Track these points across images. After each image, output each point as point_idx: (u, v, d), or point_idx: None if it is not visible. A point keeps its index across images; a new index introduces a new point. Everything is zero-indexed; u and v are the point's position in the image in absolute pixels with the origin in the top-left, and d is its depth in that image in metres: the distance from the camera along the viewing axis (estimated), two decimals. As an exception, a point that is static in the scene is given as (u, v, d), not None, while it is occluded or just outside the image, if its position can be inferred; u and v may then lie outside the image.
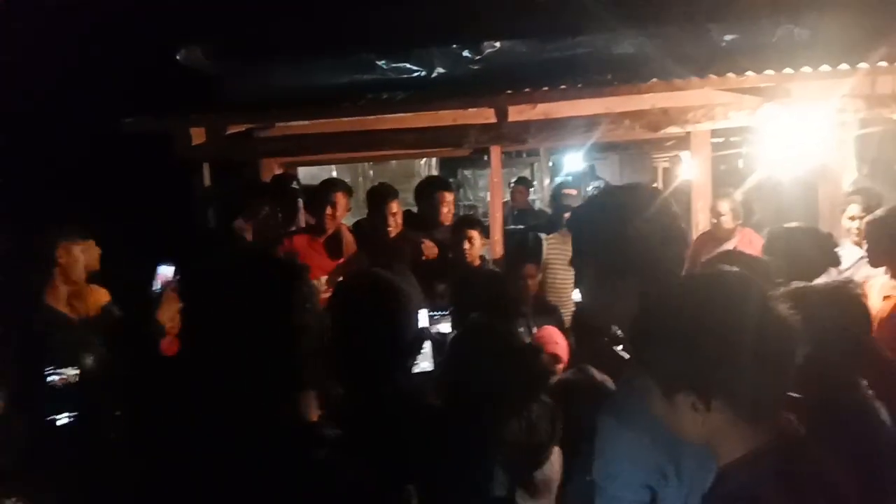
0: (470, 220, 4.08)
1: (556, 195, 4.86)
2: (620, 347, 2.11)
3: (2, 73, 3.24)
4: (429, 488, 1.32)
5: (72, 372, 2.45)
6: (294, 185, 4.17)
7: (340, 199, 3.74)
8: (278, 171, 4.83)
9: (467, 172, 9.95)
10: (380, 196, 3.91)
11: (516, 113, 4.47)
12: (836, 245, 2.83)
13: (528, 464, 1.83)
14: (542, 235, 4.68)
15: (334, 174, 7.47)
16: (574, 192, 4.71)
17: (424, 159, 8.44)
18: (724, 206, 4.37)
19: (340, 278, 3.64)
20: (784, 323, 1.03)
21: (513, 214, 7.03)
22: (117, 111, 3.62)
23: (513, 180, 7.93)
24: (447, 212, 4.13)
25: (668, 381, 1.07)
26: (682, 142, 6.29)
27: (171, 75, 4.09)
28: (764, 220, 4.77)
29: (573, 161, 9.61)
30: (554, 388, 2.09)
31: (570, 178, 10.81)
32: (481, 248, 3.88)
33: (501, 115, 4.23)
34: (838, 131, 4.08)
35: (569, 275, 4.52)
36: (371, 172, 8.56)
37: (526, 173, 10.05)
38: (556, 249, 4.56)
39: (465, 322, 2.65)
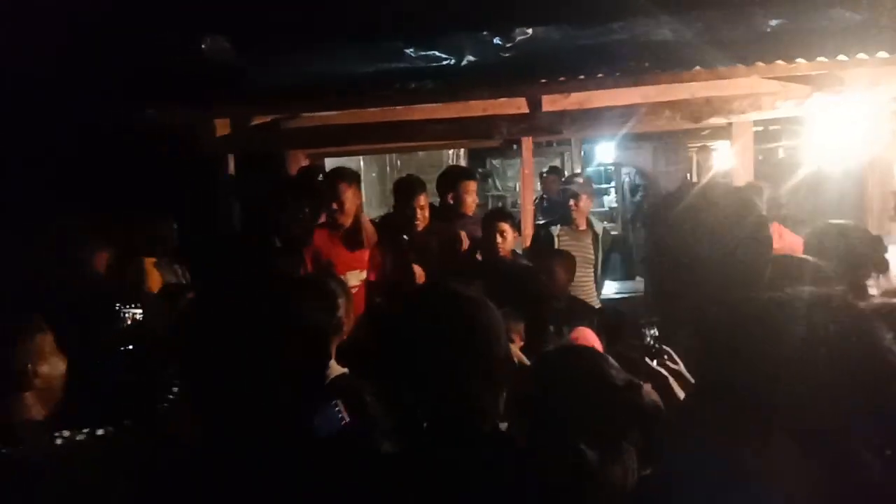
0: (501, 213, 3.93)
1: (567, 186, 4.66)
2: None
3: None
4: None
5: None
6: (320, 177, 4.05)
7: (346, 190, 3.51)
8: (304, 163, 4.75)
9: (496, 162, 9.77)
10: (407, 189, 3.76)
11: (549, 103, 4.31)
12: (885, 249, 2.65)
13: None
14: (553, 229, 4.54)
15: (361, 165, 7.39)
16: (557, 178, 4.55)
17: (452, 149, 8.29)
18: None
19: (373, 277, 3.55)
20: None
21: (543, 206, 6.86)
22: (140, 103, 3.54)
23: (544, 170, 7.74)
24: (471, 202, 4.00)
25: None
26: (719, 131, 6.08)
27: (194, 65, 4.00)
28: (799, 215, 4.53)
29: (605, 150, 9.39)
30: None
31: (601, 168, 10.65)
32: (513, 241, 3.74)
33: (534, 105, 4.07)
34: (891, 122, 3.85)
35: (585, 270, 4.37)
36: (398, 162, 8.43)
37: (557, 163, 9.84)
38: (568, 244, 4.42)
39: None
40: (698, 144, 8.64)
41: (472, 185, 4.04)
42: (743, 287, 1.23)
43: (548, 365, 1.63)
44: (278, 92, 4.08)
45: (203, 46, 3.98)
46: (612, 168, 10.21)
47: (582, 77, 3.70)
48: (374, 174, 8.01)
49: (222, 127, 4.04)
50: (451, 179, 4.05)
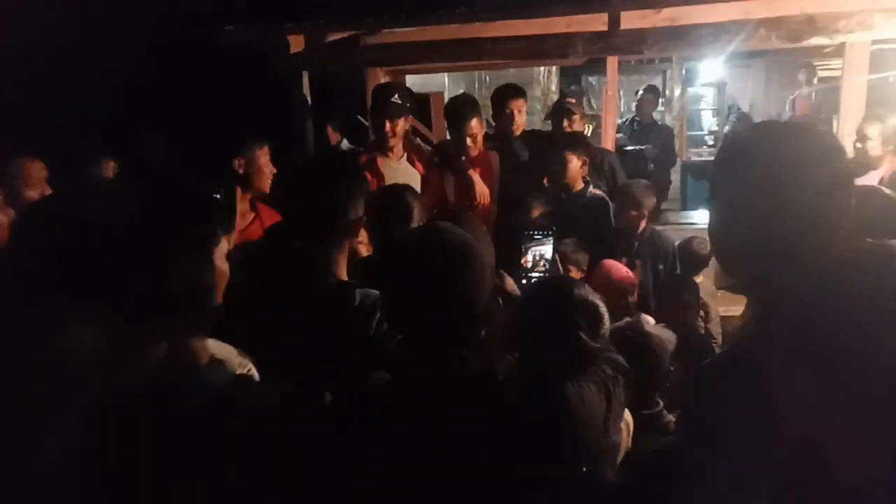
0: (571, 139, 3.74)
1: (560, 108, 4.16)
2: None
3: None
4: (492, 469, 1.18)
5: None
6: (396, 97, 3.84)
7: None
8: (385, 80, 4.72)
9: (592, 80, 9.30)
10: (458, 112, 3.50)
11: (639, 18, 4.02)
12: None
13: (597, 433, 1.66)
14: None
15: (446, 82, 7.24)
16: (574, 101, 4.15)
17: (544, 66, 7.95)
18: (873, 130, 3.77)
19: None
20: None
21: (633, 129, 6.52)
22: (213, 21, 3.59)
23: (640, 89, 7.27)
24: (521, 122, 3.80)
25: None
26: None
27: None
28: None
29: (710, 69, 8.72)
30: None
31: (703, 89, 9.93)
32: (580, 170, 3.58)
33: (614, 22, 3.80)
34: None
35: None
36: (487, 79, 8.20)
37: (657, 81, 9.25)
38: None
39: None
40: (821, 64, 7.83)
41: (521, 104, 3.80)
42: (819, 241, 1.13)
43: (530, 298, 1.68)
44: (354, 6, 4.07)
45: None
46: (716, 88, 9.49)
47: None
48: (461, 91, 7.86)
49: (296, 44, 4.05)
50: (500, 98, 3.84)
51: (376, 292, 1.53)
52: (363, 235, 1.90)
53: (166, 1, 3.42)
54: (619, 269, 2.92)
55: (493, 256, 1.76)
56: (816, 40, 3.48)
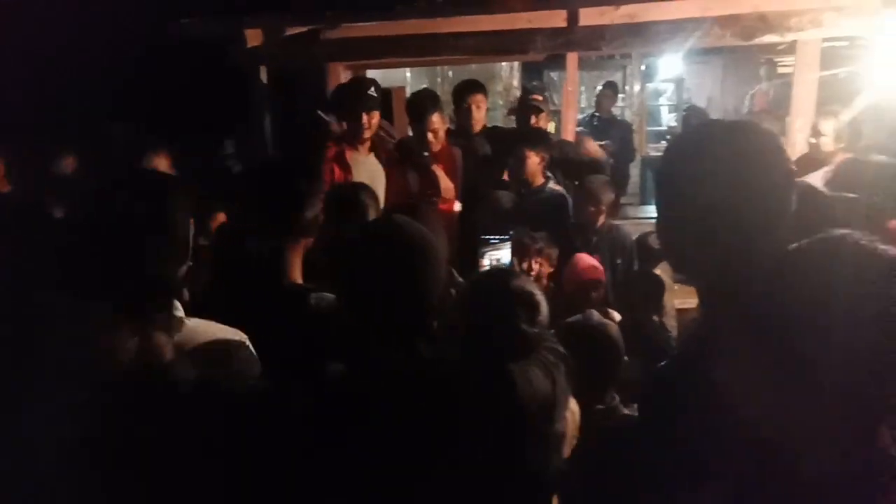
0: (528, 138, 3.74)
1: (525, 103, 4.17)
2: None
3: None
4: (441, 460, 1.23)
5: None
6: (372, 90, 3.53)
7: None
8: (345, 75, 4.66)
9: (553, 75, 9.29)
10: (419, 107, 3.48)
11: (598, 15, 4.05)
12: None
13: (543, 419, 1.70)
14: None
15: (408, 77, 7.21)
16: (540, 97, 4.18)
17: (506, 61, 7.97)
18: (827, 126, 3.87)
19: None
20: None
21: (592, 125, 6.58)
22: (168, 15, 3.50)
23: (599, 84, 7.34)
24: (480, 118, 3.82)
25: None
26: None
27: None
28: (875, 148, 4.18)
29: (669, 65, 8.85)
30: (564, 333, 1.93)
31: (662, 85, 10.08)
32: (539, 166, 3.60)
33: (573, 18, 3.83)
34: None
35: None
36: (450, 74, 8.20)
37: (618, 77, 9.34)
38: None
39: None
40: (779, 60, 8.00)
41: (481, 100, 3.82)
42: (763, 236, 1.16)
43: (475, 287, 1.75)
44: (313, 1, 4.01)
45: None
46: (675, 84, 9.64)
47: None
48: (423, 86, 7.84)
49: (253, 38, 3.98)
50: (460, 94, 3.86)
51: (331, 296, 1.54)
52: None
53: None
54: (587, 261, 2.95)
55: (447, 249, 1.80)
56: (769, 38, 3.55)
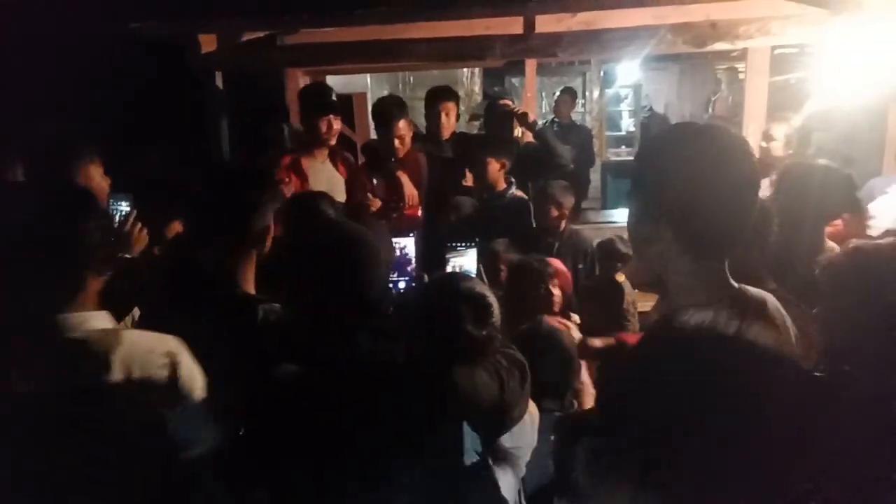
0: (491, 146, 3.76)
1: (492, 108, 4.19)
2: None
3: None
4: (386, 456, 1.28)
5: None
6: (332, 96, 3.52)
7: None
8: (303, 81, 4.62)
9: (514, 81, 9.40)
10: (385, 113, 3.49)
11: (555, 22, 4.10)
12: (856, 188, 2.57)
13: (495, 427, 1.70)
14: None
15: (369, 83, 7.18)
16: (510, 101, 4.22)
17: (467, 67, 8.00)
18: (779, 131, 3.96)
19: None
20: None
21: (552, 130, 6.63)
22: (121, 16, 3.41)
23: (558, 91, 7.42)
24: (449, 125, 3.82)
25: None
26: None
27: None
28: (821, 153, 4.31)
29: (628, 71, 9.00)
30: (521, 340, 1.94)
31: (621, 90, 10.25)
32: (500, 172, 3.62)
33: (529, 25, 3.86)
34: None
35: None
36: (412, 79, 8.19)
37: (577, 83, 9.46)
38: None
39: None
40: (725, 66, 8.20)
41: (451, 107, 3.82)
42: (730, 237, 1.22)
43: (426, 288, 1.79)
44: (269, 5, 3.96)
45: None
46: (632, 90, 9.82)
47: (577, -4, 3.47)
48: (385, 92, 7.82)
49: (208, 43, 3.92)
50: (430, 101, 3.86)
51: (279, 306, 1.54)
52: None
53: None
54: (555, 264, 2.95)
55: (391, 252, 2.00)
56: (720, 45, 3.63)
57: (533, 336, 2.06)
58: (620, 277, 3.46)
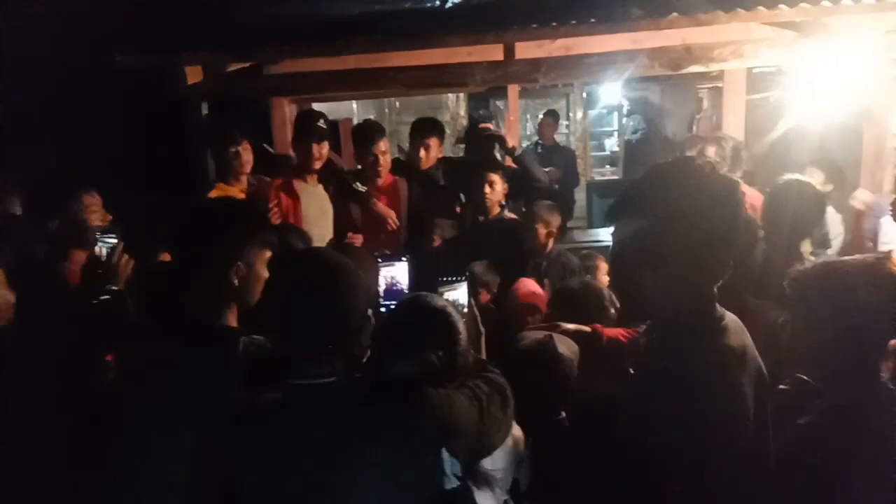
0: (491, 163, 3.80)
1: (474, 132, 4.31)
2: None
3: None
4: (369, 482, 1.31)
5: None
6: (321, 122, 3.63)
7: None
8: (289, 109, 4.67)
9: (500, 104, 9.52)
10: (365, 135, 3.66)
11: (535, 48, 4.18)
12: (824, 206, 2.65)
13: (475, 452, 1.70)
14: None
15: (355, 109, 7.26)
16: (491, 125, 4.32)
17: (453, 92, 8.10)
18: (711, 152, 3.98)
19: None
20: None
21: (536, 152, 6.72)
22: (108, 47, 3.46)
23: (541, 113, 7.53)
24: (428, 160, 3.89)
25: None
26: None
27: (168, 7, 3.91)
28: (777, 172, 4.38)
29: (609, 93, 9.13)
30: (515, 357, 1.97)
31: (604, 111, 10.39)
32: (502, 193, 3.67)
33: (509, 52, 3.94)
34: (885, 70, 3.68)
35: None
36: (397, 104, 8.29)
37: (561, 105, 9.60)
38: None
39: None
40: (708, 86, 8.34)
41: (432, 140, 3.91)
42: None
43: (391, 313, 1.80)
44: (256, 35, 4.02)
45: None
46: (615, 111, 9.96)
47: (555, 24, 3.56)
48: (371, 117, 7.90)
49: (194, 74, 3.97)
50: (414, 131, 3.97)
51: (261, 338, 1.56)
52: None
53: (58, 26, 3.28)
54: (527, 285, 2.98)
55: (374, 280, 2.07)
56: (695, 68, 3.71)
57: (515, 353, 2.08)
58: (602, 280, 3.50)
